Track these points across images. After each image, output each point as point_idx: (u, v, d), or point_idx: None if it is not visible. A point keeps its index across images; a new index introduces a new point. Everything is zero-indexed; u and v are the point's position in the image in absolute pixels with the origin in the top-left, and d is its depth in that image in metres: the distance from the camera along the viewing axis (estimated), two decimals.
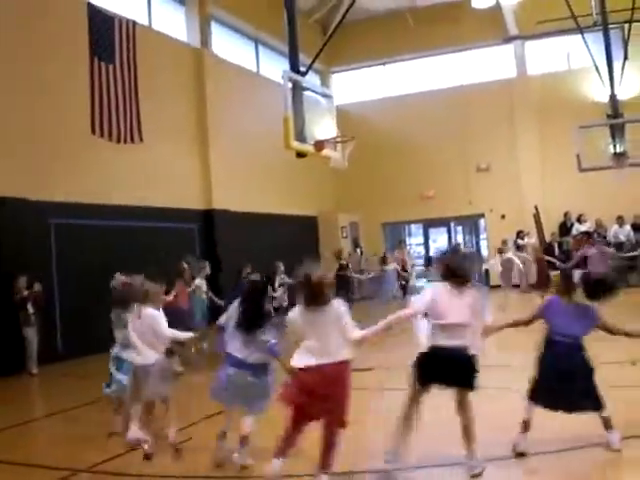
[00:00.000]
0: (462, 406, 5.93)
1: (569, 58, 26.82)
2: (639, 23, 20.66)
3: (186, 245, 19.27)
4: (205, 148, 20.58)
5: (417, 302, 6.38)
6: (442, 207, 27.17)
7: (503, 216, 26.69)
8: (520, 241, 23.13)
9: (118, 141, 15.30)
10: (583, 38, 20.17)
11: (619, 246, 22.96)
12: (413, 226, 31.82)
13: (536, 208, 24.41)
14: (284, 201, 23.87)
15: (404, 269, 19.78)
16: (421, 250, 28.71)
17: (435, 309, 6.00)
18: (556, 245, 24.40)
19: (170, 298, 10.92)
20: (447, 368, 5.85)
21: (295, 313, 5.83)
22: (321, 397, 5.61)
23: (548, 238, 23.52)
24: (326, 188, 27.37)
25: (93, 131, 14.64)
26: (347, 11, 15.21)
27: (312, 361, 5.64)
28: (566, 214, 25.31)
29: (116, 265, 16.07)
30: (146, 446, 6.95)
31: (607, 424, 6.15)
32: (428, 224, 29.94)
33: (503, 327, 6.66)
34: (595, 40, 20.38)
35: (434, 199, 27.33)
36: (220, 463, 6.53)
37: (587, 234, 23.22)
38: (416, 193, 27.53)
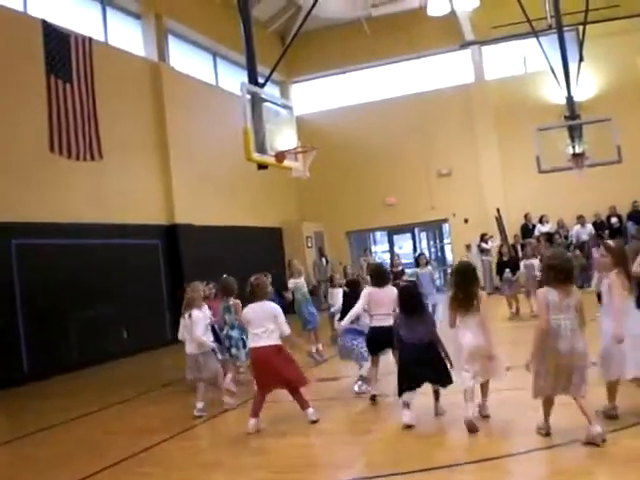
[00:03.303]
0: None
1: (525, 62, 27.13)
2: (593, 25, 20.95)
3: (151, 261, 19.20)
4: (166, 162, 20.48)
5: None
6: (406, 213, 27.27)
7: (466, 220, 26.86)
8: (484, 244, 23.29)
9: (77, 159, 15.14)
10: (538, 41, 20.38)
11: (582, 246, 23.23)
12: (378, 233, 31.94)
13: (498, 211, 24.63)
14: (248, 213, 23.82)
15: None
16: (386, 257, 28.71)
17: None
18: (519, 247, 24.60)
19: None
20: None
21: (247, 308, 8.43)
22: (265, 370, 8.11)
23: (511, 240, 23.69)
24: (289, 199, 27.39)
25: (52, 149, 14.47)
26: (304, 21, 15.19)
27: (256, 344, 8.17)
28: (527, 216, 25.55)
29: (80, 283, 16.10)
30: None
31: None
32: (392, 231, 30.06)
33: None
34: (550, 43, 20.60)
35: (397, 206, 27.43)
36: None
37: (549, 235, 23.56)
38: (379, 201, 27.63)
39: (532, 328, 6.60)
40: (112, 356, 16.42)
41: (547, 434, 6.53)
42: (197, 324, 9.29)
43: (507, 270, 17.49)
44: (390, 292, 8.78)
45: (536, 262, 16.58)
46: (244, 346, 10.34)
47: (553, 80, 20.28)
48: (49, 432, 9.53)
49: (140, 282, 18.41)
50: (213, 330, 10.47)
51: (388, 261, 21.69)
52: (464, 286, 7.33)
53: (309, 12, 14.98)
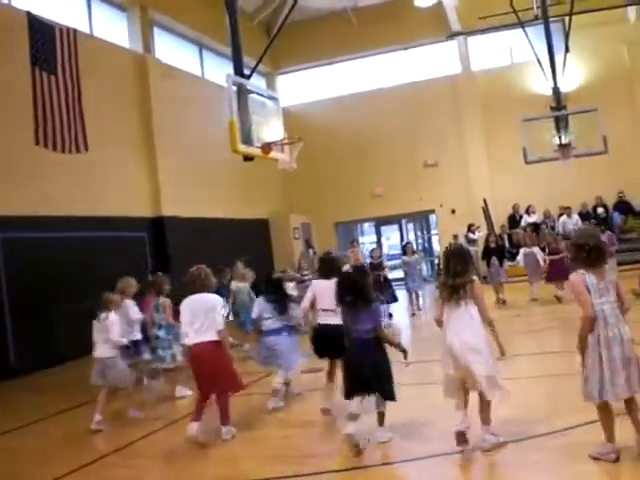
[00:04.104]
0: None
1: (512, 52, 27.17)
2: (579, 15, 21.00)
3: (137, 253, 19.13)
4: (152, 154, 20.41)
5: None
6: (393, 204, 27.30)
7: (453, 211, 26.92)
8: (471, 235, 23.36)
9: (63, 151, 15.08)
10: (524, 32, 20.47)
11: (568, 236, 23.30)
12: (366, 225, 31.99)
13: (485, 201, 24.72)
14: (235, 205, 23.79)
15: None
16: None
17: None
18: (506, 237, 24.71)
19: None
20: None
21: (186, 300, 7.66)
22: (202, 368, 7.48)
23: (498, 231, 23.79)
24: (276, 190, 27.35)
25: (37, 142, 14.40)
26: (290, 12, 15.18)
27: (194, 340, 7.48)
28: (514, 206, 25.65)
29: (67, 276, 16.04)
30: None
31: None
32: (380, 222, 30.10)
33: None
34: (536, 34, 20.69)
35: (385, 197, 27.45)
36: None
37: (535, 225, 23.65)
38: (367, 192, 27.65)
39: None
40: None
41: (617, 459, 5.48)
42: (113, 326, 8.83)
43: (494, 258, 17.67)
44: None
45: (536, 250, 16.94)
46: (169, 347, 10.21)
47: (539, 71, 20.39)
48: (36, 425, 9.54)
49: (127, 274, 18.32)
50: (143, 328, 10.47)
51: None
52: (455, 272, 6.22)
53: (295, 3, 14.98)
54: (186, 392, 10.08)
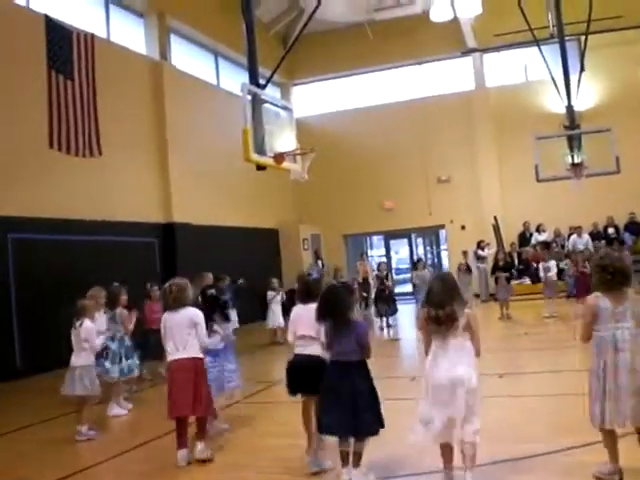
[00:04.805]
0: None
1: (526, 70, 27.16)
2: (595, 35, 20.99)
3: (147, 259, 19.17)
4: (164, 161, 20.47)
5: None
6: (403, 218, 27.28)
7: (463, 227, 26.88)
8: (480, 252, 23.33)
9: (77, 154, 15.18)
10: (540, 50, 20.42)
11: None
12: (375, 238, 31.96)
13: (495, 219, 24.69)
14: (245, 214, 23.82)
15: (366, 281, 19.69)
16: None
17: None
18: (515, 255, 24.67)
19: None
20: None
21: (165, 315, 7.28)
22: (181, 387, 6.97)
23: (507, 248, 23.75)
24: (287, 200, 27.37)
25: (51, 145, 14.51)
26: (307, 23, 15.21)
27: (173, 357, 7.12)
28: (525, 224, 25.60)
29: (76, 279, 16.01)
30: None
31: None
32: (389, 236, 30.08)
33: None
34: (552, 52, 20.63)
35: (395, 210, 27.44)
36: None
37: (546, 244, 23.63)
38: (377, 205, 27.66)
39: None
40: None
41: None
42: (91, 334, 8.74)
43: (502, 276, 17.92)
44: (313, 308, 6.33)
45: (552, 264, 17.42)
46: (120, 361, 10.00)
47: (553, 89, 20.32)
48: (41, 426, 9.55)
49: (136, 280, 18.36)
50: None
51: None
52: (440, 302, 5.49)
53: (312, 15, 14.99)
54: (121, 412, 9.82)
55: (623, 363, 5.30)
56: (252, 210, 24.31)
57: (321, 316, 6.09)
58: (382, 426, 5.86)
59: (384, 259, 27.81)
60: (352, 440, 5.83)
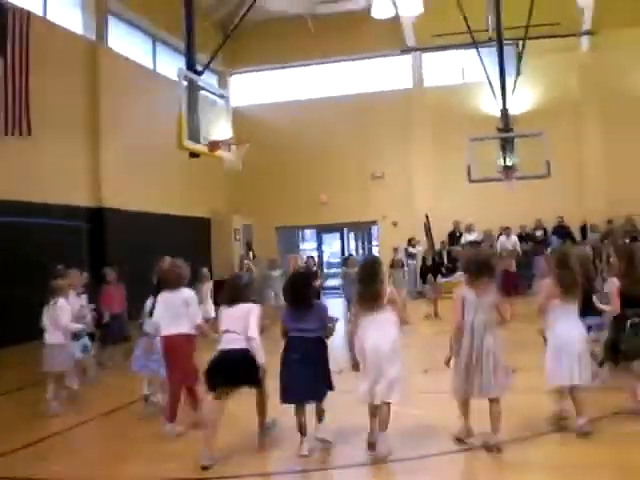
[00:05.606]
0: None
1: (464, 72, 27.43)
2: (533, 40, 21.29)
3: (73, 243, 18.76)
4: (96, 144, 20.13)
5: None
6: (336, 213, 27.30)
7: (395, 223, 27.05)
8: (411, 249, 23.47)
9: (5, 134, 14.84)
10: (478, 53, 20.65)
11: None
12: (307, 231, 31.96)
13: (427, 217, 24.87)
14: (178, 202, 23.56)
15: None
16: (314, 255, 28.80)
17: None
18: (445, 253, 24.89)
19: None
20: None
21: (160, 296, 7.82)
22: (172, 361, 7.59)
23: (438, 246, 23.97)
24: (221, 190, 27.16)
25: None
26: (247, 12, 15.12)
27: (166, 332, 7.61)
28: (455, 223, 25.84)
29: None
30: None
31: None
32: (322, 230, 30.10)
33: None
34: (490, 55, 20.85)
35: (328, 204, 27.45)
36: None
37: (476, 243, 23.88)
38: (311, 198, 27.60)
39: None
40: (29, 338, 15.93)
41: (469, 435, 6.64)
42: (63, 312, 9.05)
43: (430, 275, 18.14)
44: (242, 309, 6.95)
45: None
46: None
47: (490, 92, 20.57)
48: None
49: (61, 264, 17.98)
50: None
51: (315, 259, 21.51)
52: (368, 282, 6.61)
53: (253, 3, 14.88)
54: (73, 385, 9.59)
55: (476, 346, 6.37)
56: (185, 198, 24.06)
57: (290, 300, 6.92)
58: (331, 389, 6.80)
59: (315, 253, 27.85)
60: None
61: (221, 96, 13.51)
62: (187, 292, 7.76)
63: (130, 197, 20.73)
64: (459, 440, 6.63)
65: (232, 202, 27.82)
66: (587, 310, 7.69)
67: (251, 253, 25.58)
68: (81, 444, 7.87)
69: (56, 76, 18.19)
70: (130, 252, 18.44)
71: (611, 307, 7.50)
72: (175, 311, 7.60)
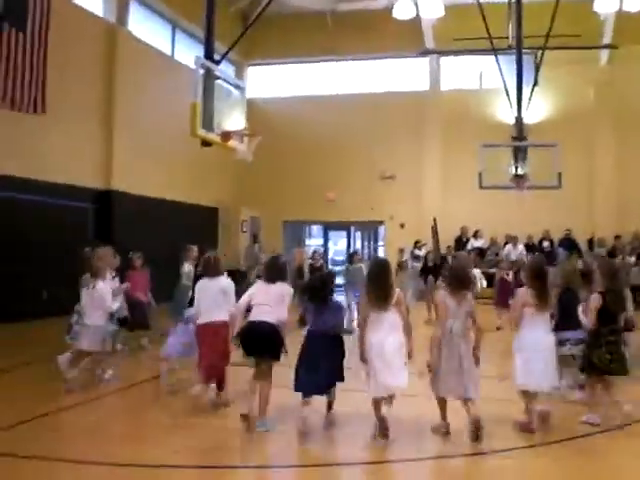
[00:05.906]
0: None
1: (481, 78, 27.38)
2: (552, 51, 21.21)
3: (79, 224, 18.78)
4: (109, 127, 20.15)
5: None
6: (344, 211, 27.26)
7: (402, 225, 27.04)
8: (417, 251, 23.46)
9: (20, 110, 14.78)
10: (496, 60, 20.58)
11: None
12: (314, 227, 31.94)
13: (435, 220, 24.83)
14: (186, 189, 23.59)
15: (300, 269, 19.61)
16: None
17: None
18: (449, 258, 24.83)
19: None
20: None
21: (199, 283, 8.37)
22: (209, 347, 7.92)
23: (444, 251, 23.94)
24: (230, 180, 27.13)
25: None
26: (268, 4, 15.05)
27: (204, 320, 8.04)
28: (462, 229, 25.81)
29: (2, 238, 15.70)
30: None
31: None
32: (329, 226, 30.09)
33: None
34: (508, 63, 20.80)
35: (336, 202, 27.40)
36: None
37: (481, 250, 23.87)
38: (319, 195, 27.49)
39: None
40: (29, 315, 15.99)
41: (447, 432, 6.98)
42: (106, 294, 9.13)
43: (430, 277, 18.04)
44: (279, 289, 7.67)
45: (477, 272, 17.31)
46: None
47: (505, 99, 20.50)
48: None
49: (65, 245, 17.98)
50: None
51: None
52: (380, 281, 7.05)
53: None
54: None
55: (454, 347, 6.83)
56: (194, 186, 24.07)
57: (312, 298, 7.44)
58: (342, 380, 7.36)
59: (321, 249, 27.83)
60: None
61: (237, 86, 13.45)
62: (224, 280, 8.23)
63: (140, 181, 20.75)
64: (436, 430, 7.04)
65: (241, 194, 27.81)
66: (567, 323, 8.00)
67: (257, 245, 25.55)
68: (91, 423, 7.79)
69: (74, 56, 18.22)
70: (137, 236, 18.43)
71: (587, 321, 7.52)
72: (214, 298, 8.02)
